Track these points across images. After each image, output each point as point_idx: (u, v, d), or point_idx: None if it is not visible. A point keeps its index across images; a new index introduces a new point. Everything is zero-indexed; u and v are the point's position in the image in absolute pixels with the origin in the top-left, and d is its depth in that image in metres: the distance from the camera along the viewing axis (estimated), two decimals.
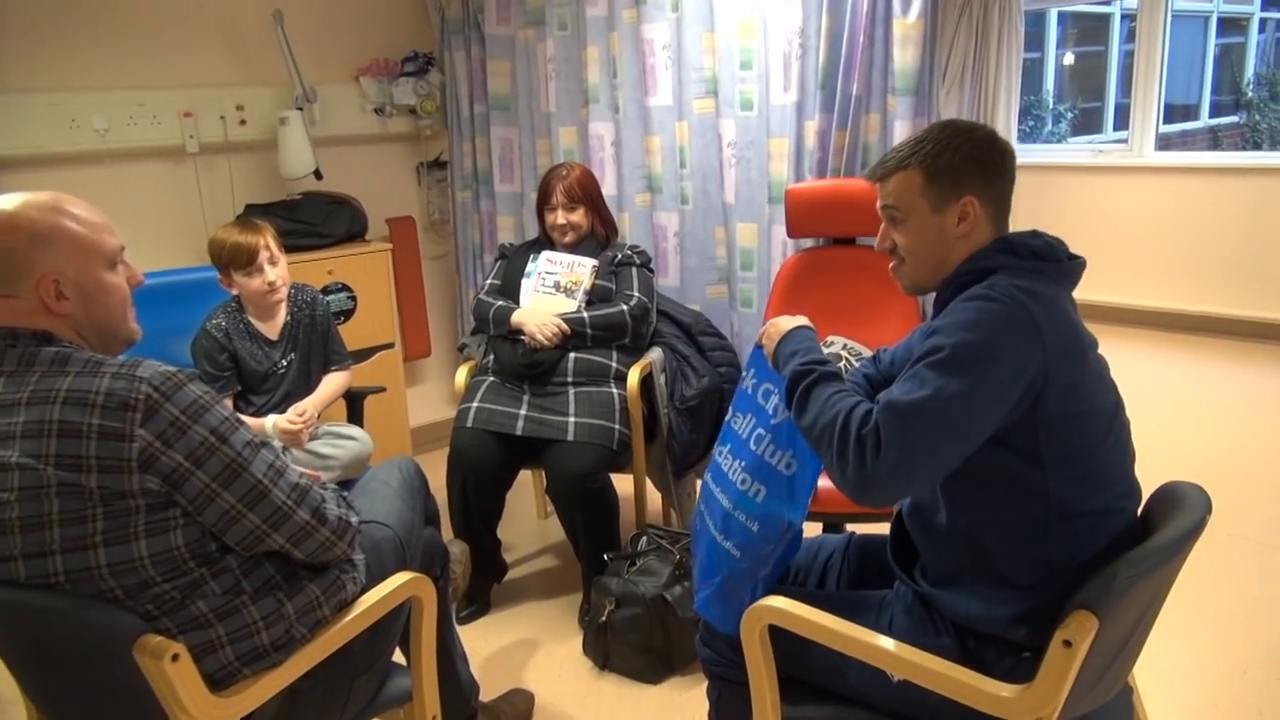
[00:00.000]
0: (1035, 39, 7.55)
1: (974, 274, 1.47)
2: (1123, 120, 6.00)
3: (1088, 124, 7.97)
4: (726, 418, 1.81)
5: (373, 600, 1.66)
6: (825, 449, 1.42)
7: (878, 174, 1.57)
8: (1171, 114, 7.25)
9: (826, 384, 1.50)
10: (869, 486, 1.35)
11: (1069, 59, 8.32)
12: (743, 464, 1.69)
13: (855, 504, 1.39)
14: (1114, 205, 5.31)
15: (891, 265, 1.60)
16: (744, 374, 1.78)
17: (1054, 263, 1.46)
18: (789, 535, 1.65)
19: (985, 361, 1.34)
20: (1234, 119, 7.91)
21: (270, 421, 2.52)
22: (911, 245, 1.55)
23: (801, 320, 1.71)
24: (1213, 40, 7.60)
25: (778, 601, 1.55)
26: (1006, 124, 5.46)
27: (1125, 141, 5.50)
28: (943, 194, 1.51)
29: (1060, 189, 5.30)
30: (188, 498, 1.40)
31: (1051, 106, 7.88)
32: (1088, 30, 8.40)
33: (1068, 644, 1.27)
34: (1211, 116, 7.97)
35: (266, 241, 2.54)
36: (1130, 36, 5.98)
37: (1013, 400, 1.34)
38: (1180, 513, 1.39)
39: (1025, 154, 5.59)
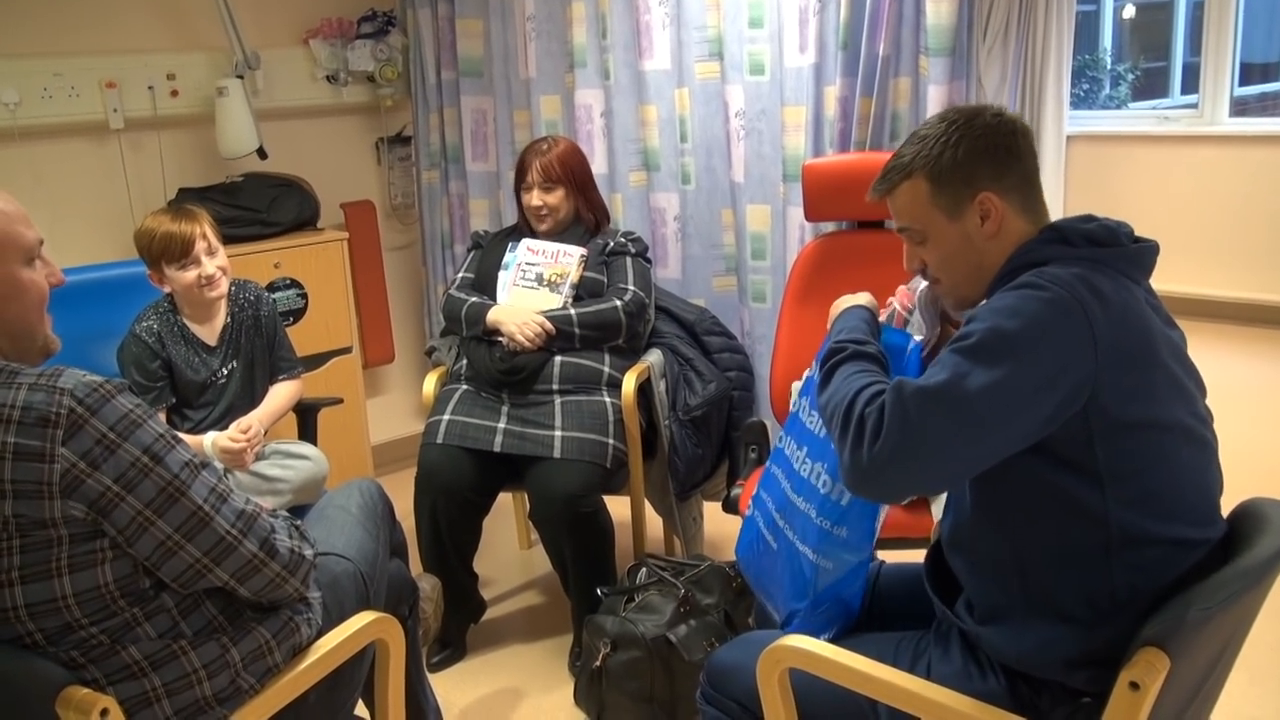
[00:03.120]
0: None
1: (1022, 269, 1.47)
2: (1192, 82, 6.01)
3: (1151, 87, 7.97)
4: (789, 422, 1.87)
5: (331, 645, 1.67)
6: (832, 429, 1.46)
7: (882, 188, 1.61)
8: (1248, 74, 7.25)
9: (854, 361, 1.54)
10: (861, 474, 1.38)
11: (1129, 11, 8.33)
12: (825, 465, 1.74)
13: (854, 493, 1.44)
14: (1182, 180, 5.32)
15: (931, 286, 1.65)
16: (815, 366, 1.82)
17: (1115, 248, 1.46)
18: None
19: (1020, 354, 1.34)
20: None
21: (209, 440, 2.53)
22: (940, 261, 1.58)
23: (862, 299, 1.76)
24: None
25: (800, 641, 1.57)
26: (1057, 86, 5.47)
27: (1195, 107, 5.51)
28: (955, 197, 1.53)
29: (1120, 161, 5.32)
30: (117, 527, 1.41)
31: (1110, 67, 7.88)
32: None
33: (1135, 686, 1.28)
34: None
35: (203, 230, 2.55)
36: None
37: (1048, 408, 1.34)
38: (1263, 534, 1.40)
39: (1080, 121, 5.60)
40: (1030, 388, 1.34)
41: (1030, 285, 1.39)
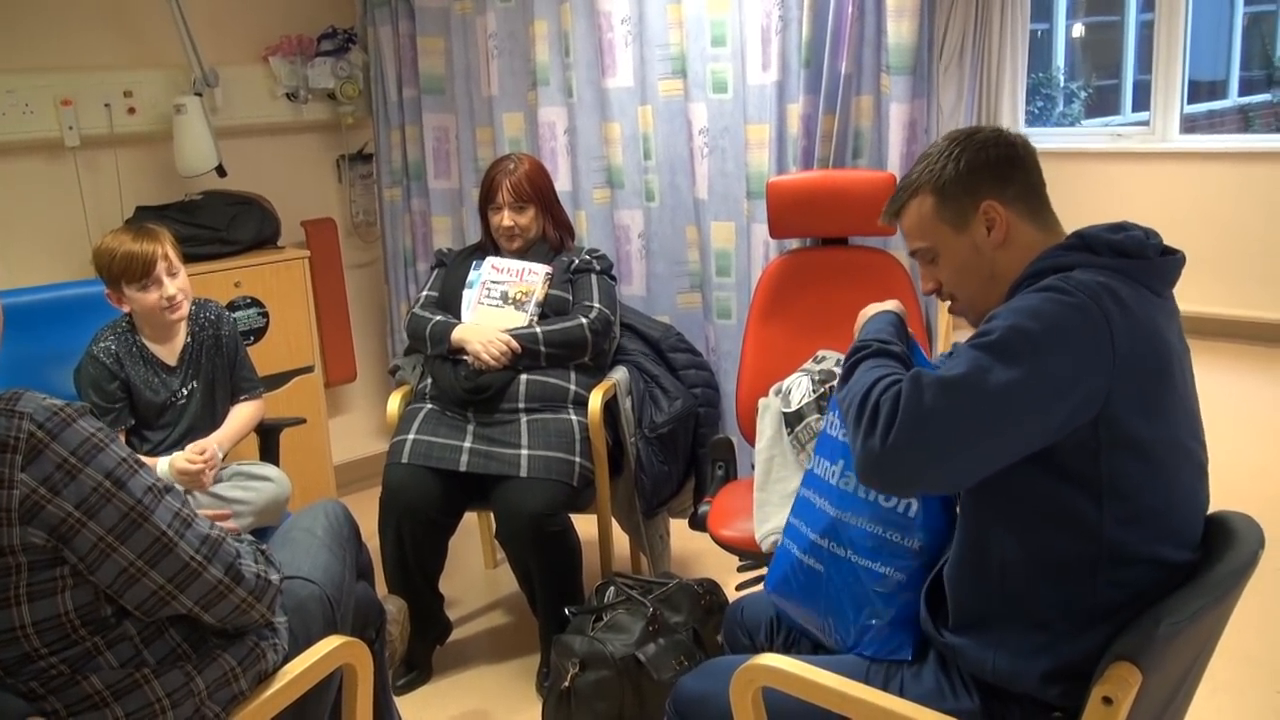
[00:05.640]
0: (1043, 8, 7.68)
1: (1045, 273, 1.46)
2: (1142, 99, 6.12)
3: (1103, 104, 8.11)
4: (820, 442, 1.84)
5: (298, 670, 1.64)
6: (848, 420, 1.45)
7: (892, 210, 1.64)
8: (1196, 92, 7.40)
9: (875, 358, 1.54)
10: (872, 461, 1.37)
11: (1078, 30, 8.47)
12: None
13: (864, 483, 1.42)
14: (1134, 195, 5.40)
15: (948, 307, 1.65)
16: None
17: (1141, 260, 1.46)
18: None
19: (1041, 355, 1.34)
20: (1266, 97, 8.09)
21: (165, 462, 2.48)
22: (953, 276, 1.60)
23: (889, 305, 1.76)
24: (1240, 8, 7.77)
25: (773, 660, 1.56)
26: (1013, 104, 5.54)
27: (1146, 124, 5.60)
28: (960, 209, 1.55)
29: (1073, 177, 5.39)
30: (79, 554, 1.38)
31: (1063, 84, 8.02)
32: None
33: (1108, 701, 1.29)
34: (1241, 95, 8.15)
35: (165, 250, 2.51)
36: (1148, 4, 6.10)
37: (1063, 412, 1.34)
38: (1231, 547, 1.41)
39: (1034, 139, 5.65)
40: (1047, 389, 1.33)
41: (1054, 289, 1.39)
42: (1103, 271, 1.42)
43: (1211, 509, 1.52)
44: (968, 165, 1.55)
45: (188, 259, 2.71)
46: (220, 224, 3.48)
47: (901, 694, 1.54)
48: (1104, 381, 1.34)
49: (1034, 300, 1.39)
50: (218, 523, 1.59)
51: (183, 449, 2.54)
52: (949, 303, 1.65)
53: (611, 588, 2.63)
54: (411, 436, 2.74)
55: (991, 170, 1.55)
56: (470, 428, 2.74)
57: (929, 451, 1.35)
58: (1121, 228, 1.50)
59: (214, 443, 2.56)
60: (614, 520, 2.93)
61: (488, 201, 2.94)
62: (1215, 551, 1.43)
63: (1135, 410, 1.37)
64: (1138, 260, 1.46)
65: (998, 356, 1.34)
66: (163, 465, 2.47)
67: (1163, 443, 1.41)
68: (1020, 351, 1.34)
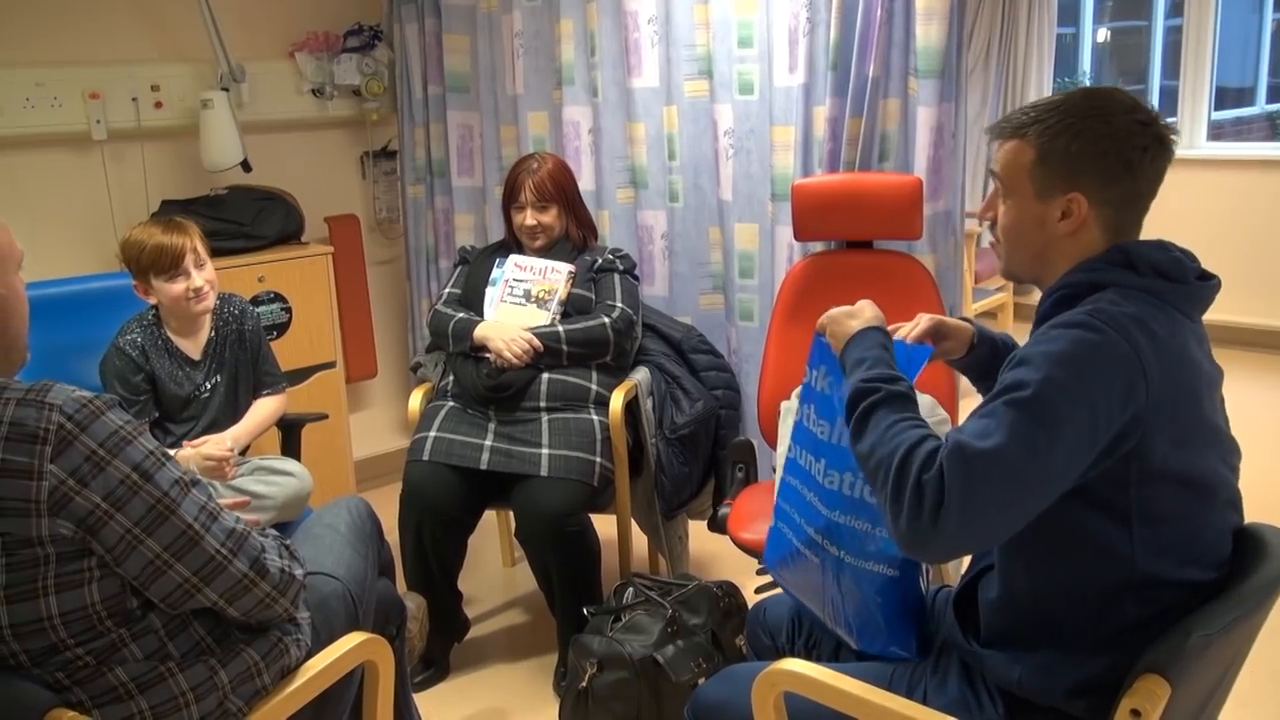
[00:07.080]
0: (1069, 12, 7.63)
1: (1080, 288, 1.44)
2: (1168, 105, 6.07)
3: None
4: (796, 431, 1.80)
5: (320, 666, 1.65)
6: (880, 487, 1.38)
7: (996, 132, 1.55)
8: (1223, 98, 7.34)
9: (892, 408, 1.45)
10: (923, 541, 1.31)
11: (1102, 35, 8.42)
12: (853, 475, 1.66)
13: (910, 556, 1.38)
14: (1160, 202, 5.35)
15: (990, 242, 1.60)
16: (810, 371, 1.75)
17: (1179, 284, 1.43)
18: None
19: (1076, 405, 1.30)
20: None
21: (187, 451, 2.48)
22: (1009, 226, 1.53)
23: (870, 317, 1.65)
24: (1269, 14, 7.71)
25: (795, 665, 1.55)
26: None
27: (1173, 130, 5.56)
28: (1050, 182, 1.47)
29: None
30: (106, 545, 1.39)
31: None
32: (1126, 2, 8.52)
33: (1136, 714, 1.28)
34: (1269, 102, 8.09)
35: (194, 243, 2.53)
36: (1175, 10, 6.05)
37: (1099, 449, 1.32)
38: (1262, 560, 1.40)
39: None
40: (1086, 436, 1.31)
41: (1084, 326, 1.35)
42: (1137, 297, 1.39)
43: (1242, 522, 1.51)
44: (1080, 151, 1.44)
45: (212, 253, 2.73)
46: (245, 219, 3.50)
47: (925, 702, 1.53)
48: (1139, 415, 1.33)
49: (1064, 344, 1.34)
50: (237, 514, 1.60)
51: None
52: (990, 240, 1.61)
53: (630, 588, 2.63)
54: (433, 434, 2.74)
55: (1101, 164, 1.44)
56: (491, 426, 2.74)
57: (981, 527, 1.31)
58: (1164, 247, 1.46)
59: (230, 436, 2.57)
60: (633, 521, 2.92)
61: (511, 200, 2.94)
62: (1248, 565, 1.41)
63: (1167, 439, 1.35)
64: (1176, 284, 1.42)
65: (1036, 419, 1.30)
66: (184, 455, 2.48)
67: (1193, 469, 1.39)
68: (1058, 407, 1.30)
